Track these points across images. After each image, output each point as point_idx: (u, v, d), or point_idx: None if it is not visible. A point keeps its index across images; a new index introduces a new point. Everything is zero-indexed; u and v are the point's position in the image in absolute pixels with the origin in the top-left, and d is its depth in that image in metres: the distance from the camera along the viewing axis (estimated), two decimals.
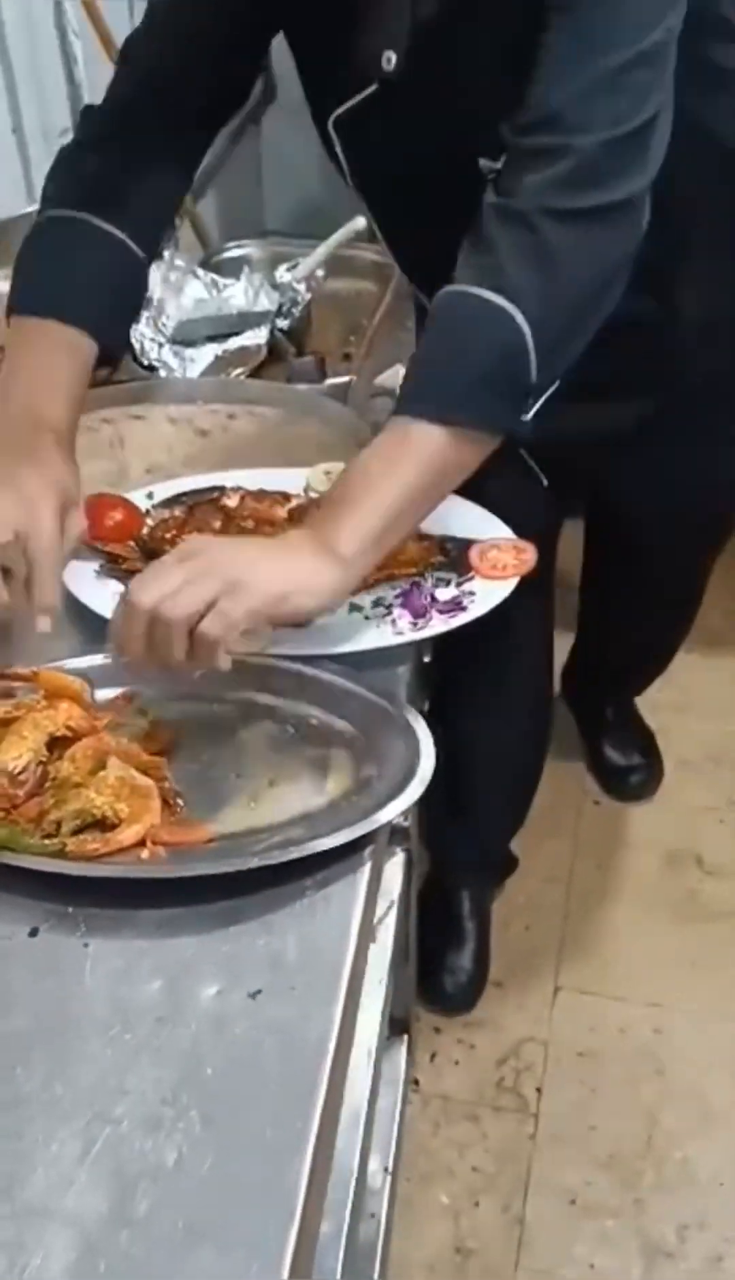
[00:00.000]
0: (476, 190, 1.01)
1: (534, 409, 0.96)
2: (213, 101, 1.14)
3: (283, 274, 1.65)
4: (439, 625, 1.02)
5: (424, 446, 0.92)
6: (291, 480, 1.21)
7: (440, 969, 1.77)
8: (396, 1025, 1.52)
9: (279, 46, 1.16)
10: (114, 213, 1.08)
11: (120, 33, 2.09)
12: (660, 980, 1.82)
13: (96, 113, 1.13)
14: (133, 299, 1.17)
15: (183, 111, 1.11)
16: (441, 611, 1.03)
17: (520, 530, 1.11)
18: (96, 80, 1.95)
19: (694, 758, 2.18)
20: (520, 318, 0.91)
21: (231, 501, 1.16)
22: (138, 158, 1.09)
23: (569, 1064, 1.73)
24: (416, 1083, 1.70)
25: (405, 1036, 1.62)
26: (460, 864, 1.84)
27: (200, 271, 1.69)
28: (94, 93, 1.92)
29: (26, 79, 1.84)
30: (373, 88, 1.04)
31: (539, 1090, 1.70)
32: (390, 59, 1.02)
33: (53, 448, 0.99)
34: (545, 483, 1.36)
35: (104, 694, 0.96)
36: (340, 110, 1.08)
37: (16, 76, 1.82)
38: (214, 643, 0.86)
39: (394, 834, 0.99)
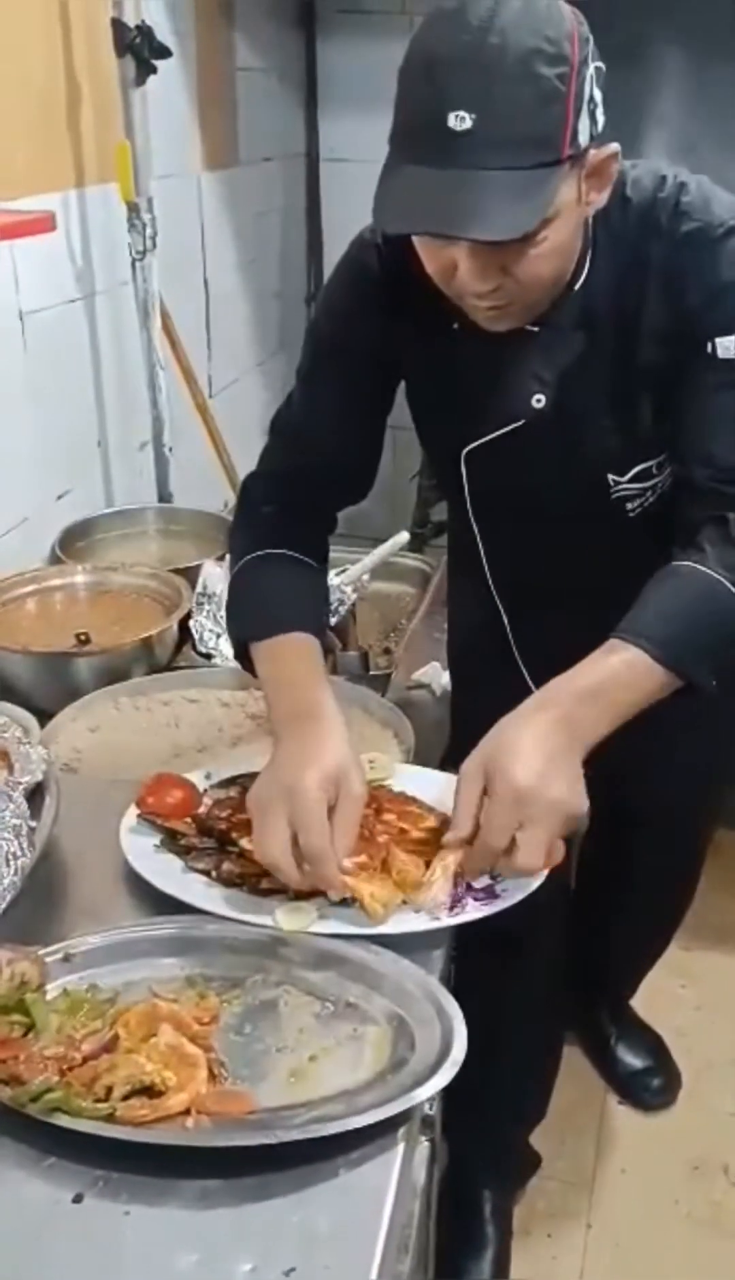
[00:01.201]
0: (597, 506, 1.26)
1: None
2: (350, 473, 1.37)
3: (332, 578, 1.81)
4: (474, 912, 1.07)
5: (650, 683, 1.09)
6: None
7: (459, 1275, 1.69)
8: None
9: None
10: (300, 549, 1.31)
11: (198, 368, 2.37)
12: None
13: (260, 482, 1.38)
14: (327, 603, 1.40)
15: (327, 484, 1.35)
16: (476, 899, 1.09)
17: None
18: (176, 406, 2.20)
19: (718, 1059, 2.15)
20: None
21: None
22: (301, 516, 1.34)
23: None
24: None
25: None
26: (481, 1158, 1.79)
27: None
28: (174, 417, 2.16)
29: (115, 402, 2.09)
30: (518, 423, 1.24)
31: None
32: (540, 400, 1.23)
33: (329, 735, 1.14)
34: None
35: (158, 964, 1.02)
36: (476, 444, 1.27)
37: (106, 399, 2.06)
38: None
39: (422, 1123, 1.01)
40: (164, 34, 1.97)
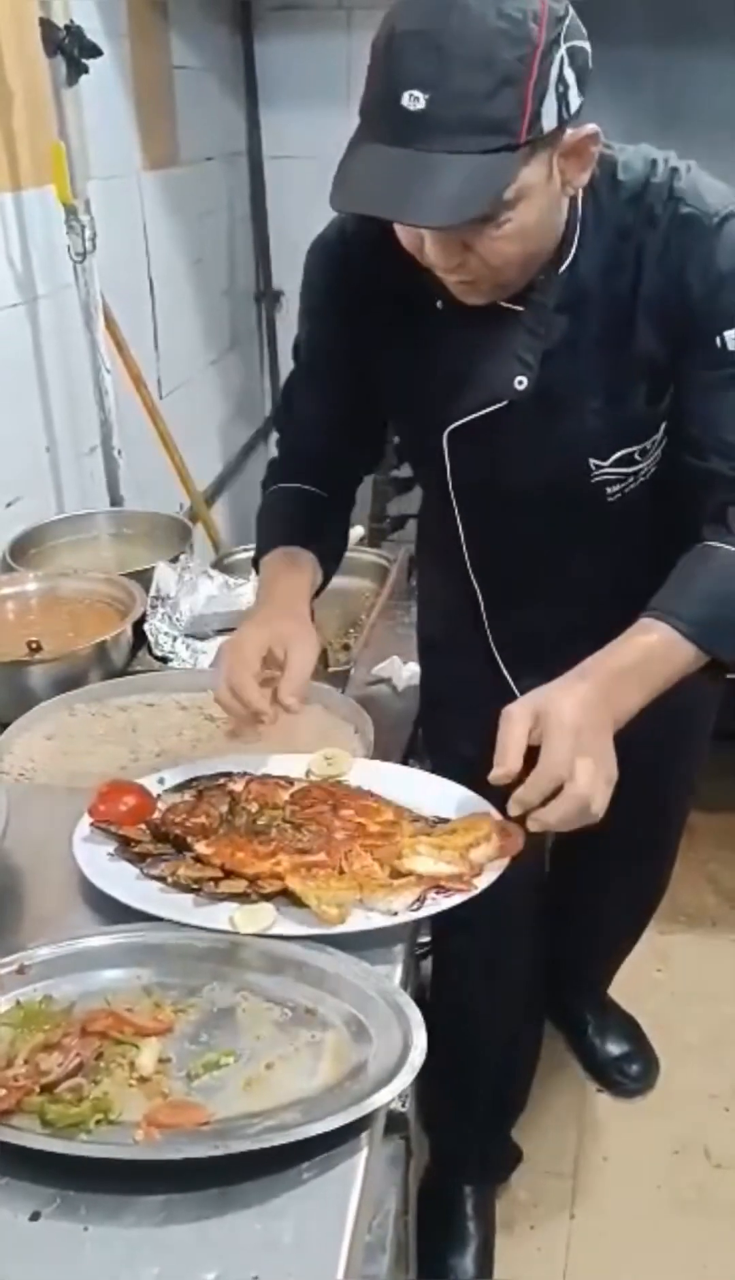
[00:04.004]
0: (577, 490, 1.26)
1: None
2: (353, 449, 1.44)
3: None
4: (433, 905, 1.06)
5: (680, 659, 1.13)
6: (294, 765, 1.28)
7: (442, 1271, 1.68)
8: None
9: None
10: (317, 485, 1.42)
11: (147, 369, 2.35)
12: None
13: (282, 459, 1.45)
14: (339, 524, 1.47)
15: (334, 460, 1.42)
16: (437, 892, 1.08)
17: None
18: (124, 410, 2.17)
19: (695, 1042, 2.15)
20: None
21: (238, 786, 1.23)
22: (322, 480, 1.42)
23: None
24: None
25: None
26: (461, 1154, 1.79)
27: (213, 572, 1.83)
28: (122, 419, 2.14)
29: (62, 406, 2.06)
30: (500, 404, 1.22)
31: None
32: (522, 381, 1.20)
33: (296, 612, 1.29)
34: None
35: (113, 974, 1.00)
36: (458, 424, 1.26)
37: (52, 404, 2.04)
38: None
39: (391, 1121, 1.00)
40: (97, 34, 1.94)
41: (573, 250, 1.17)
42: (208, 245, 2.85)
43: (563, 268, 1.18)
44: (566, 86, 1.00)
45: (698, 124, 2.23)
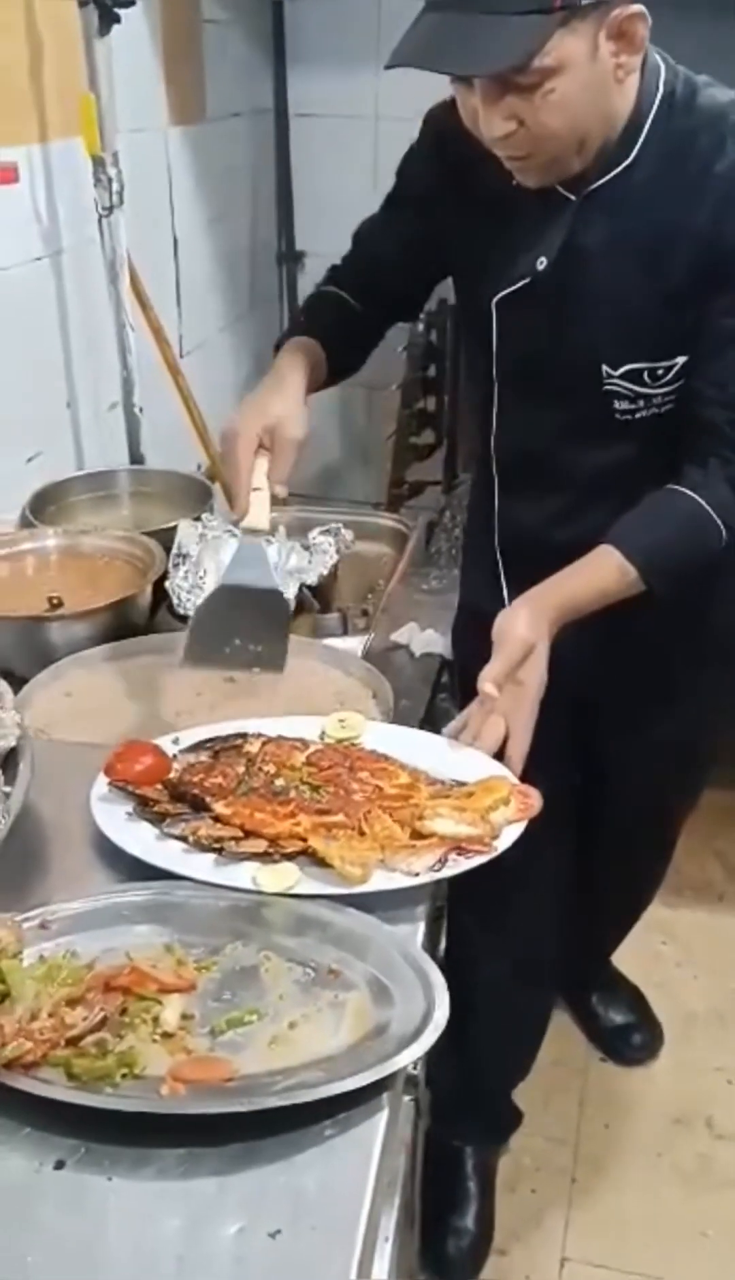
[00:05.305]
0: (590, 394, 1.30)
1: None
2: (401, 290, 1.52)
3: (316, 536, 1.78)
4: (453, 867, 1.07)
5: (622, 580, 1.23)
6: (309, 727, 1.28)
7: (443, 1230, 1.71)
8: None
9: None
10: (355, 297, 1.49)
11: (169, 327, 2.33)
12: (671, 1253, 1.75)
13: (338, 271, 1.52)
14: (359, 341, 1.52)
15: (380, 292, 1.49)
16: (457, 853, 1.08)
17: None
18: (146, 365, 2.16)
19: (699, 1014, 2.16)
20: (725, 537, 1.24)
21: (253, 747, 1.23)
22: (360, 295, 1.49)
23: None
24: None
25: None
26: (463, 1115, 1.80)
27: (238, 531, 1.81)
28: (143, 374, 2.12)
29: (83, 362, 2.05)
30: (526, 280, 1.30)
31: None
32: (542, 262, 1.28)
33: (276, 390, 1.34)
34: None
35: (136, 930, 1.00)
36: (502, 294, 1.34)
37: (74, 359, 2.02)
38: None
39: (404, 1082, 1.00)
40: None
41: (635, 153, 1.21)
42: (231, 203, 2.82)
43: (622, 167, 1.22)
44: None
45: None
